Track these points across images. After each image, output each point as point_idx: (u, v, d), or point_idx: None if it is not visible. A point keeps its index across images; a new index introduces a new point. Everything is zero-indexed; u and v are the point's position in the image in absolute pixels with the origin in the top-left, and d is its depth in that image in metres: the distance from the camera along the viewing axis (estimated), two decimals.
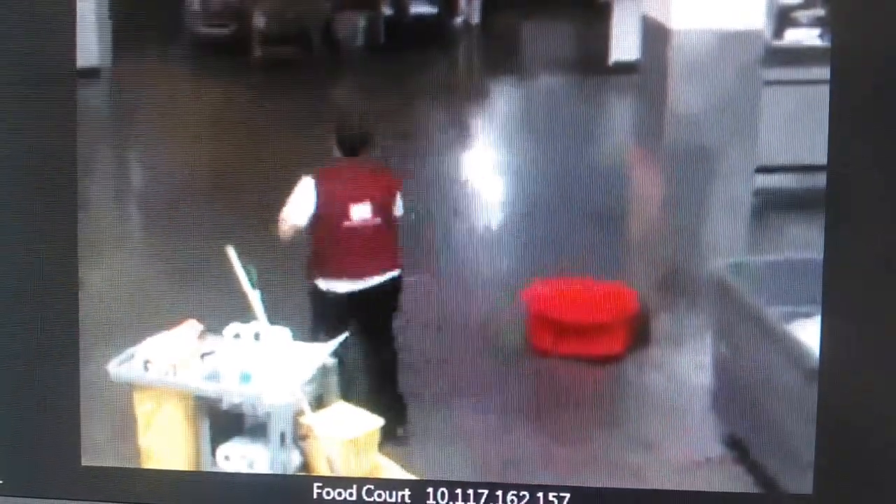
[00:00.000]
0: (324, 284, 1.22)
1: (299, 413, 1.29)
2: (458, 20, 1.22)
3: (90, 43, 1.22)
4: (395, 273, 1.20)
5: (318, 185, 1.19)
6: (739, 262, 1.20)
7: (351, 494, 1.24)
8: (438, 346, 1.24)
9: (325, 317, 1.24)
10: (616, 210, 1.22)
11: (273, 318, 1.28)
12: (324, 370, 1.29)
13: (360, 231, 1.21)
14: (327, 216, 1.19)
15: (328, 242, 1.21)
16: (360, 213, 1.19)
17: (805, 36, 1.16)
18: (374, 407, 1.23)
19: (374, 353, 1.23)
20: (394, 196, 1.21)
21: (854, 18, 1.12)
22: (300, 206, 1.18)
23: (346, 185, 1.19)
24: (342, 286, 1.23)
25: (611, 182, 1.21)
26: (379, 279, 1.21)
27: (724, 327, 1.22)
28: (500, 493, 1.23)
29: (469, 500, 1.23)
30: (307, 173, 1.20)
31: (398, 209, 1.21)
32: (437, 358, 1.24)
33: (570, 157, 1.20)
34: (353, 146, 1.18)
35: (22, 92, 1.22)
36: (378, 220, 1.21)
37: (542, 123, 1.22)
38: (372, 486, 1.25)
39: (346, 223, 1.21)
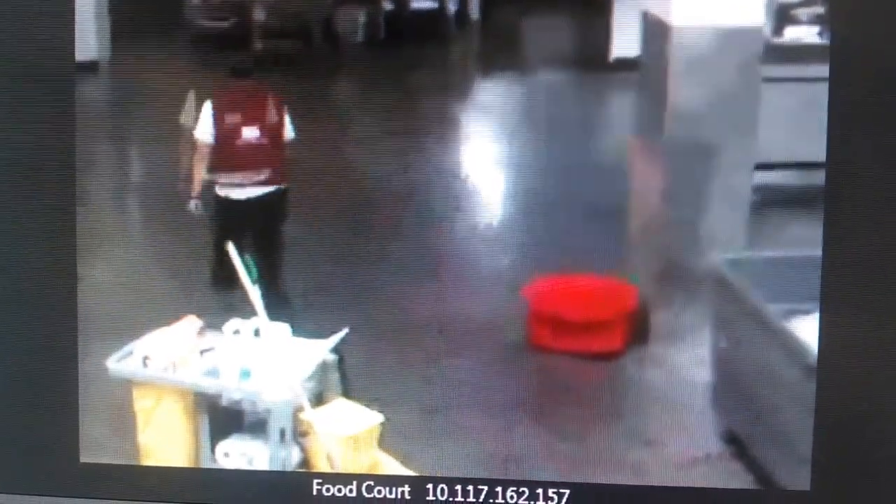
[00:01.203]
0: (221, 191, 1.29)
1: (299, 409, 1.29)
2: (459, 16, 1.23)
3: (89, 37, 1.22)
4: (281, 186, 1.28)
5: (215, 108, 1.26)
6: (739, 259, 1.21)
7: (351, 491, 1.24)
8: (439, 342, 1.24)
9: (221, 219, 1.29)
10: (616, 207, 1.22)
11: (273, 315, 1.28)
12: (323, 366, 1.29)
13: (249, 148, 1.29)
14: (222, 134, 1.28)
15: (224, 156, 1.29)
16: (250, 133, 1.29)
17: (804, 33, 1.16)
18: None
19: (264, 252, 1.30)
20: (281, 118, 1.26)
21: (853, 16, 1.12)
22: (201, 125, 1.26)
23: (237, 108, 1.28)
24: (235, 193, 1.29)
25: (611, 179, 1.22)
26: (266, 190, 1.29)
27: (723, 324, 1.22)
28: (499, 489, 1.23)
29: (469, 497, 1.23)
30: None
31: (288, 132, 1.27)
32: (438, 354, 1.24)
33: (570, 154, 1.21)
34: (241, 71, 1.25)
35: (20, 86, 1.21)
36: (265, 140, 1.28)
37: (543, 120, 1.22)
38: (372, 483, 1.24)
39: (238, 141, 1.29)
